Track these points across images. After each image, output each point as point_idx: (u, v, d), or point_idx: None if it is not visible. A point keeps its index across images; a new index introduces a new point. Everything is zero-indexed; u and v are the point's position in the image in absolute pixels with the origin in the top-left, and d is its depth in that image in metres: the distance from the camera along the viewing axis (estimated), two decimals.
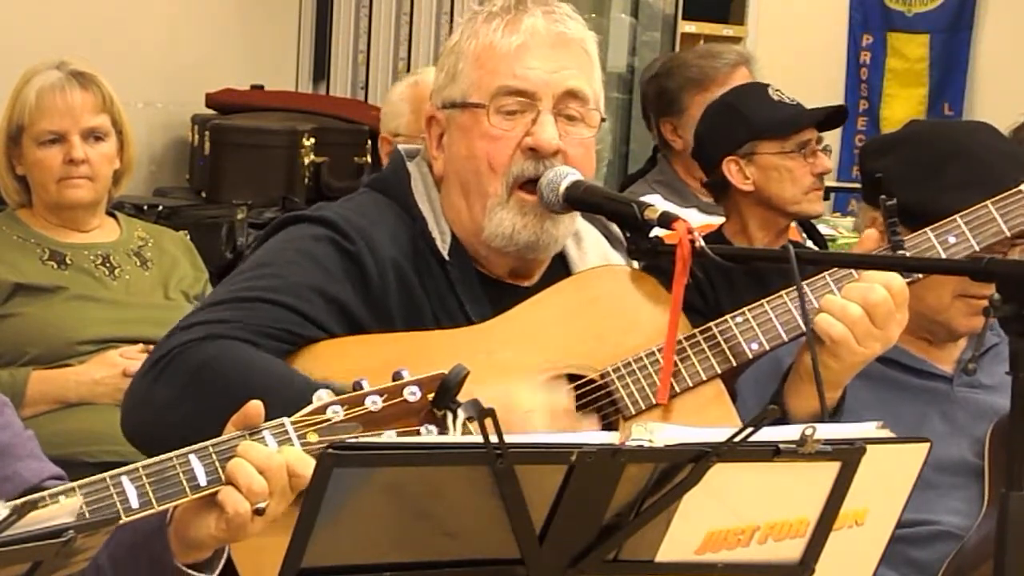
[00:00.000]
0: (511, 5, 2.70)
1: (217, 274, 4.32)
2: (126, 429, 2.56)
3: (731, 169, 4.07)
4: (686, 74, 4.93)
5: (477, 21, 2.71)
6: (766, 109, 4.07)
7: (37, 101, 4.05)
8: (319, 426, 2.13)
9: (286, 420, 2.14)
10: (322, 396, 2.16)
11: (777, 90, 4.14)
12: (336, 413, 2.14)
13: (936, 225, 2.75)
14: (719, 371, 2.65)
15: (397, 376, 2.18)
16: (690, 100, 4.88)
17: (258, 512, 2.09)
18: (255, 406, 2.13)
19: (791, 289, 2.64)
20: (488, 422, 1.82)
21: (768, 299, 2.68)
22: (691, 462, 1.94)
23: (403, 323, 2.60)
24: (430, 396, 2.16)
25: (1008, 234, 2.78)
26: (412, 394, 2.17)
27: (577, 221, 2.77)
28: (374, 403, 2.15)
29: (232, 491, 2.09)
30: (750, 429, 1.92)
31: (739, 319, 2.67)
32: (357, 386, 2.16)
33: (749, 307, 2.68)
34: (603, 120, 2.72)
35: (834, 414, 2.67)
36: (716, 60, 4.91)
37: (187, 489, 2.09)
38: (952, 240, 2.74)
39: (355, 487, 1.85)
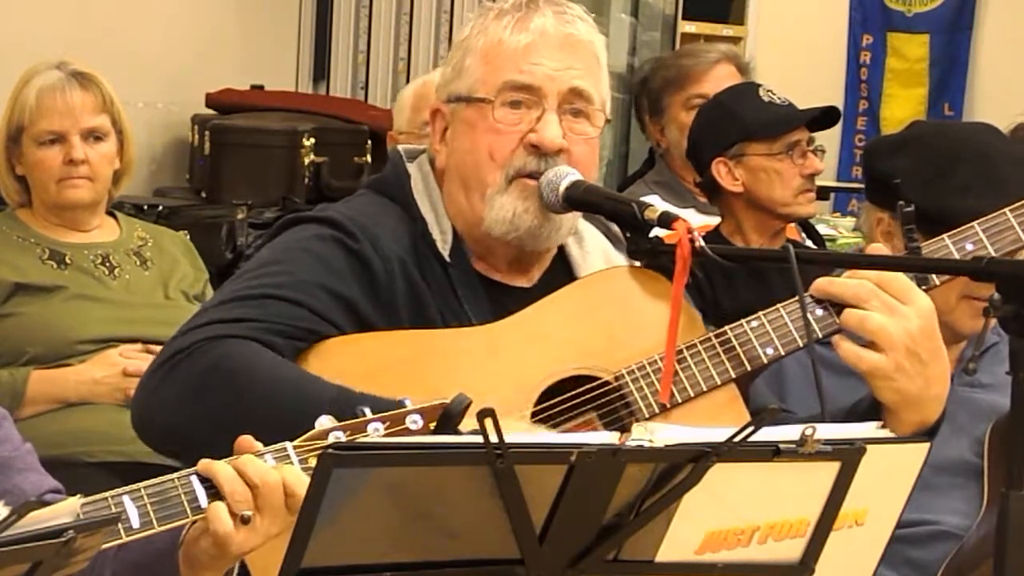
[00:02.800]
0: (522, 3, 2.69)
1: (217, 274, 4.33)
2: (136, 426, 2.57)
3: (720, 171, 4.06)
4: (664, 74, 4.94)
5: (488, 17, 2.70)
6: (755, 109, 4.07)
7: (37, 101, 4.05)
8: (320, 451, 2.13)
9: (288, 444, 2.14)
10: (323, 422, 2.16)
11: (769, 90, 4.13)
12: (338, 439, 2.14)
13: (954, 232, 2.74)
14: (733, 376, 2.62)
15: (400, 404, 2.18)
16: (669, 100, 4.88)
17: (243, 520, 2.08)
18: (248, 440, 2.14)
19: (806, 294, 2.61)
20: (488, 422, 1.82)
21: (784, 304, 2.63)
22: (691, 462, 1.94)
23: (410, 320, 2.60)
24: (432, 425, 2.16)
25: None
26: (414, 422, 2.17)
27: (579, 222, 2.77)
28: (376, 430, 2.15)
29: (218, 505, 2.09)
30: (750, 429, 1.92)
31: (754, 323, 2.63)
32: (360, 413, 2.17)
33: (765, 312, 2.63)
34: (608, 121, 2.72)
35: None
36: (694, 58, 4.91)
37: (188, 510, 2.08)
38: (970, 247, 2.73)
39: (355, 487, 1.85)
